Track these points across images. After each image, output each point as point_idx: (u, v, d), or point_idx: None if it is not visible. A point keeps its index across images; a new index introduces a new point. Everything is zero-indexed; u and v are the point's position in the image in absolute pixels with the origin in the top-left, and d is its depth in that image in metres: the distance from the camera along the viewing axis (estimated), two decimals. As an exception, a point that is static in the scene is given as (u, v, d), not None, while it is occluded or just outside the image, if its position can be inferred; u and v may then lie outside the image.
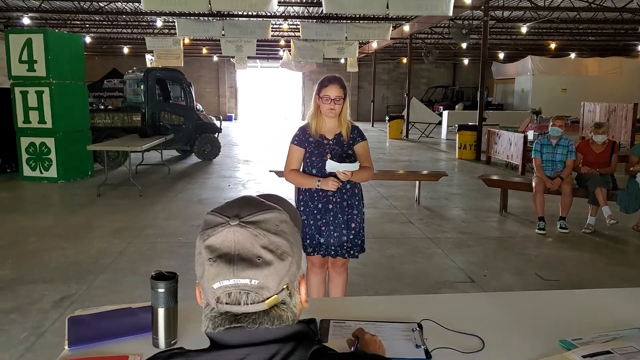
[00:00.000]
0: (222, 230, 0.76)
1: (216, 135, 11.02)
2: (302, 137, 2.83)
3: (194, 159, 10.93)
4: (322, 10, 11.86)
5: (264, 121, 24.87)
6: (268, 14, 11.15)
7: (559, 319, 1.60)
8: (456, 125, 11.86)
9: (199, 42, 17.63)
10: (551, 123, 5.57)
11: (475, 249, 4.83)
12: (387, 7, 8.07)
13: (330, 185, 2.69)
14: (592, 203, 5.33)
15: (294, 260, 0.78)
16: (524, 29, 12.60)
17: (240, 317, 0.76)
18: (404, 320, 1.56)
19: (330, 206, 2.79)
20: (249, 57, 18.27)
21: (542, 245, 4.99)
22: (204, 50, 19.04)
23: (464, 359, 1.37)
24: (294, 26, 14.62)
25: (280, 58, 20.38)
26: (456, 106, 20.84)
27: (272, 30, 12.25)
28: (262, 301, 0.75)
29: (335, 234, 2.80)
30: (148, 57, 19.52)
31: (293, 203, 6.56)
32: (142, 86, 9.99)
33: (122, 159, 9.30)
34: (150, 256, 4.51)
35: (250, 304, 0.75)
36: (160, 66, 13.35)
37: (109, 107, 12.89)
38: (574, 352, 1.37)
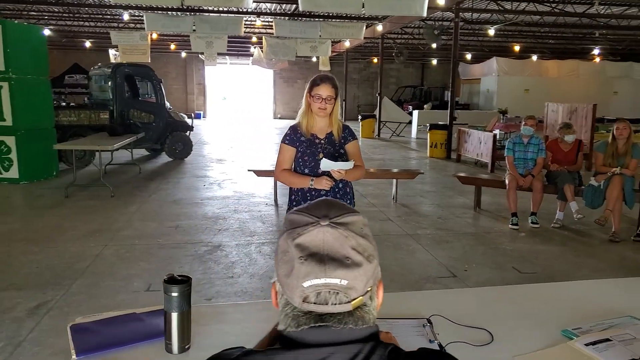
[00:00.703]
0: (313, 230, 0.77)
1: (188, 133, 10.83)
2: (294, 137, 2.82)
3: (164, 158, 10.70)
4: (296, 7, 11.81)
5: (234, 119, 24.61)
6: (241, 9, 11.02)
7: (557, 310, 1.66)
8: (428, 124, 12.07)
9: (166, 37, 17.25)
10: (523, 122, 5.76)
11: (454, 245, 4.94)
12: (363, 7, 8.13)
13: (324, 184, 2.69)
14: (561, 199, 5.54)
15: (377, 263, 0.79)
16: (491, 31, 12.93)
17: (325, 316, 0.76)
18: (412, 317, 1.59)
19: (323, 205, 2.79)
20: (218, 54, 18.04)
21: (516, 239, 5.15)
22: (172, 46, 18.64)
23: (477, 352, 1.40)
24: (267, 23, 14.51)
25: (251, 55, 20.20)
26: (425, 106, 21.22)
27: (244, 27, 12.11)
28: (348, 302, 0.75)
29: (327, 233, 2.80)
30: (112, 52, 18.97)
31: (272, 201, 6.34)
32: (109, 82, 9.70)
33: (90, 159, 9.01)
34: (129, 259, 4.39)
35: (338, 304, 0.75)
36: (126, 62, 12.99)
37: (71, 103, 12.46)
38: (577, 341, 1.44)
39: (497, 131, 11.20)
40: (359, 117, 16.85)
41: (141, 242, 4.90)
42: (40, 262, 4.27)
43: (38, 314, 3.30)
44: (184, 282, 1.41)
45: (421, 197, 7.25)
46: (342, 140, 2.84)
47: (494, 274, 4.12)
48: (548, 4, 11.51)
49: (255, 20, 13.39)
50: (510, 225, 5.50)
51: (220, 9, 11.33)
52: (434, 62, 24.53)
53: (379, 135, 16.49)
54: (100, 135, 8.33)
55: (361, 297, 0.77)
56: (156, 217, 5.89)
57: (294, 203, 2.85)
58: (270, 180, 7.61)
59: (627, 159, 5.09)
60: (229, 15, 11.93)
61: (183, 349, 1.40)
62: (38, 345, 2.90)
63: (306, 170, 2.78)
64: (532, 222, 5.54)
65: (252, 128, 19.96)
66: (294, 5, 12.34)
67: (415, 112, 17.21)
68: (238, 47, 19.75)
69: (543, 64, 21.20)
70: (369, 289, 0.78)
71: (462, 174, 6.65)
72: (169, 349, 1.40)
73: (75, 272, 4.06)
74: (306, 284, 0.74)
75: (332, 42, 15.42)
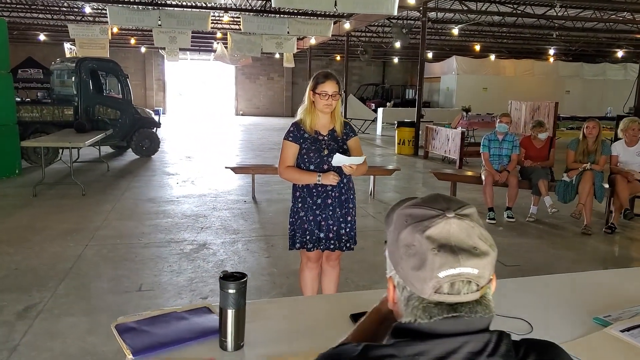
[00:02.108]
0: (440, 222, 0.78)
1: (155, 130, 10.56)
2: (297, 133, 2.82)
3: (130, 155, 10.39)
4: (265, 3, 11.72)
5: (194, 115, 24.10)
6: (210, 4, 10.83)
7: (583, 299, 1.74)
8: (395, 121, 12.28)
9: (126, 31, 16.72)
10: (498, 120, 5.96)
11: (437, 240, 5.06)
12: (335, 5, 8.17)
13: (331, 179, 2.71)
14: (535, 194, 5.79)
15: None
16: (455, 31, 13.29)
17: (457, 306, 0.78)
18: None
19: (330, 201, 2.82)
20: (180, 49, 17.65)
21: (495, 233, 5.30)
22: (133, 41, 18.07)
23: (521, 341, 1.47)
24: (234, 19, 14.30)
25: (213, 51, 19.88)
26: (387, 103, 21.55)
27: (211, 22, 11.90)
28: (477, 291, 0.78)
29: (334, 228, 2.84)
30: (67, 45, 18.21)
31: (250, 198, 6.24)
32: (73, 77, 9.31)
33: (54, 156, 8.63)
34: (113, 259, 4.26)
35: (469, 293, 0.77)
36: (84, 56, 12.48)
37: (26, 99, 11.86)
38: (612, 328, 1.53)
39: (459, 128, 11.53)
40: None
41: (123, 241, 4.76)
42: (19, 263, 4.08)
43: (28, 317, 3.16)
44: (240, 278, 1.40)
45: (396, 192, 7.39)
46: (345, 137, 2.87)
47: (480, 266, 4.26)
48: (510, 5, 11.94)
49: (222, 16, 13.18)
50: (487, 220, 5.69)
51: (187, 3, 11.10)
52: (395, 60, 24.93)
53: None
54: (66, 132, 8.00)
55: (486, 286, 0.80)
56: (133, 215, 5.73)
57: (300, 199, 2.84)
58: (245, 178, 7.54)
59: (596, 156, 5.39)
60: (196, 10, 11.70)
61: (238, 346, 1.40)
62: (34, 349, 2.78)
63: (311, 167, 2.79)
64: (508, 217, 5.76)
65: (215, 125, 19.66)
66: (262, 2, 12.26)
67: (380, 110, 17.44)
68: (200, 42, 19.38)
69: (500, 63, 22.00)
70: (491, 277, 0.81)
71: (438, 171, 6.83)
72: (224, 346, 1.39)
73: (59, 273, 3.90)
74: (442, 274, 0.76)
75: (297, 38, 15.40)
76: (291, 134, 2.82)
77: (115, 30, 14.58)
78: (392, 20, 13.56)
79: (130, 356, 1.33)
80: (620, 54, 18.65)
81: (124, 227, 5.23)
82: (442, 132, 10.53)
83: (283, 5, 8.45)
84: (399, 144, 11.86)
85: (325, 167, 2.77)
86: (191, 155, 10.81)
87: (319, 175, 2.73)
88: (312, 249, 2.84)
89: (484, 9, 12.08)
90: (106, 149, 10.63)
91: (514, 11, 12.18)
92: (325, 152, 2.78)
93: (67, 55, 17.18)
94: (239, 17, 12.06)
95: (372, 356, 0.80)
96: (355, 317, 1.58)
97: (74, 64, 9.33)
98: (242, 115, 25.79)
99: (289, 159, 2.82)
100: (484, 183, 5.81)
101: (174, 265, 4.14)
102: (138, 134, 10.10)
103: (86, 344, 2.84)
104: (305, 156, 2.79)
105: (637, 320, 1.58)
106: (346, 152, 2.84)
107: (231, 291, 1.38)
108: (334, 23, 13.44)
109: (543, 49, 19.96)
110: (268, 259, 4.38)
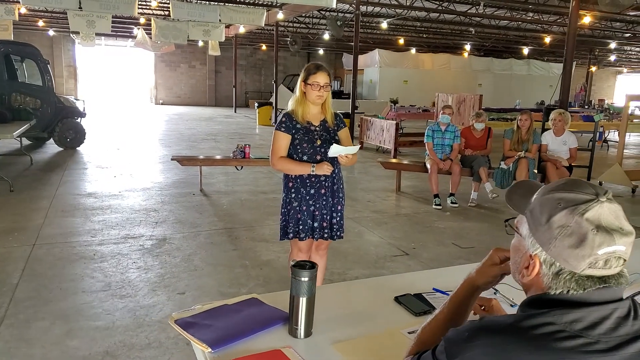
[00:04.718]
0: (595, 205, 0.89)
1: (79, 120, 9.84)
2: (289, 124, 2.83)
3: (53, 147, 9.62)
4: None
5: (109, 104, 22.67)
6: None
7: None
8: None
9: (33, 12, 15.27)
10: (441, 111, 6.31)
11: (393, 225, 5.30)
12: (277, -6, 8.10)
13: (325, 170, 2.77)
14: (476, 180, 6.23)
15: None
16: (384, 25, 13.71)
17: (605, 278, 0.90)
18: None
19: (323, 191, 2.87)
20: (97, 34, 16.49)
21: (443, 218, 5.69)
22: (41, 23, 16.56)
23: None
24: (160, 5, 13.61)
25: (132, 37, 18.82)
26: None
27: (137, 7, 11.25)
28: (622, 265, 0.90)
29: (327, 217, 2.90)
30: (-41, 26, 16.29)
31: (198, 190, 6.11)
32: (-17, 62, 8.41)
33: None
34: (69, 258, 3.98)
35: (617, 267, 0.89)
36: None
37: None
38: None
39: (388, 120, 11.97)
40: (256, 104, 16.74)
41: (74, 239, 4.46)
42: (-40, 269, 3.68)
43: (-8, 326, 2.89)
44: (312, 267, 1.43)
45: (344, 182, 7.55)
46: (336, 127, 2.94)
47: (439, 250, 4.54)
48: (436, 2, 12.55)
49: (150, 1, 12.51)
50: (434, 206, 6.03)
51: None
52: (321, 52, 25.18)
53: (276, 122, 16.57)
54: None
55: (626, 260, 0.92)
56: (76, 211, 5.36)
57: (293, 190, 2.86)
58: (187, 170, 7.32)
59: (529, 145, 5.92)
60: (120, -8, 10.97)
61: (309, 332, 1.43)
62: (11, 357, 2.56)
63: (304, 158, 2.82)
64: (452, 202, 6.15)
65: (136, 115, 18.70)
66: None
67: (310, 100, 17.58)
68: (119, 27, 18.23)
69: (419, 56, 23.01)
70: (630, 252, 0.94)
71: (385, 160, 7.10)
72: (295, 334, 1.42)
73: (11, 276, 3.59)
74: (600, 251, 0.88)
75: (224, 26, 15.01)
76: (283, 125, 2.83)
77: (23, 10, 13.32)
78: (323, 12, 13.66)
79: (209, 350, 1.32)
80: (526, 50, 20.32)
81: (70, 224, 4.89)
82: (377, 123, 10.89)
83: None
84: (333, 134, 12.04)
85: (318, 157, 2.82)
86: (120, 147, 10.23)
87: (313, 166, 2.77)
88: (304, 238, 2.88)
89: (410, 4, 12.59)
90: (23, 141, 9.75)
91: (439, 7, 12.83)
92: (318, 142, 2.82)
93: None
94: (168, 3, 11.52)
95: (528, 325, 0.89)
96: (398, 299, 1.67)
97: (-16, 47, 8.42)
98: (161, 104, 24.73)
99: (282, 149, 2.83)
100: (429, 171, 6.14)
101: (139, 262, 3.96)
102: (62, 125, 9.37)
103: (68, 349, 2.66)
104: (298, 147, 2.82)
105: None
106: (338, 142, 2.90)
107: (304, 279, 1.41)
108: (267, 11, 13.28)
109: (459, 44, 21.20)
110: (236, 252, 4.33)
